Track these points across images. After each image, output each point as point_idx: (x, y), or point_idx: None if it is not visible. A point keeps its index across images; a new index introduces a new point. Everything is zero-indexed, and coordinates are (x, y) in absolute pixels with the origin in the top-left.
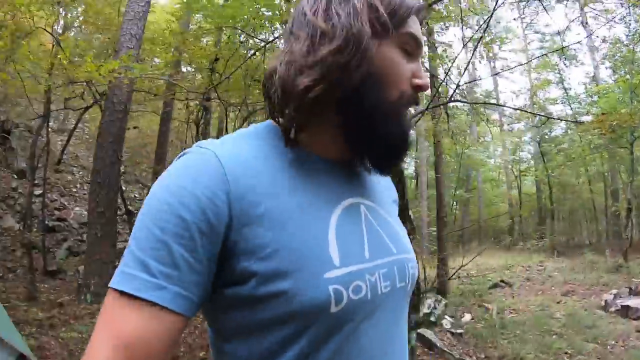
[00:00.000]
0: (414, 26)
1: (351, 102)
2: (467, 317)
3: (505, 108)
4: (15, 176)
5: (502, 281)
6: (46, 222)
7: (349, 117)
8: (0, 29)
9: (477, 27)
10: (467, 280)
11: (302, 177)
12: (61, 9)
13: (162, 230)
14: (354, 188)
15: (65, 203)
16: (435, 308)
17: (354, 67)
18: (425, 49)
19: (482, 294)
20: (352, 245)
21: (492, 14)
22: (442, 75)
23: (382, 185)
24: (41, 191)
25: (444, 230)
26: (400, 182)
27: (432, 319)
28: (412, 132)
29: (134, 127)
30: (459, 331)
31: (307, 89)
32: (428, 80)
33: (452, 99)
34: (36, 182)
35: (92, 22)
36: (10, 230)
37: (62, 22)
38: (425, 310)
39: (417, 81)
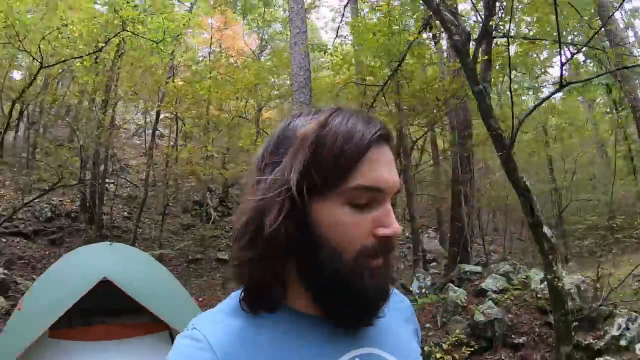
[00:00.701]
0: (367, 172)
1: (305, 268)
2: None
3: None
4: None
5: None
6: None
7: (308, 282)
8: None
9: None
10: None
11: (287, 346)
12: None
13: None
14: (351, 340)
15: None
16: (627, 329)
17: (274, 234)
18: None
19: None
20: None
21: None
22: None
23: (389, 313)
24: None
25: None
26: (526, 199)
27: (623, 342)
28: (383, 283)
29: None
30: None
31: (244, 249)
32: (396, 226)
33: None
34: None
35: None
36: None
37: None
38: (613, 332)
39: (380, 232)
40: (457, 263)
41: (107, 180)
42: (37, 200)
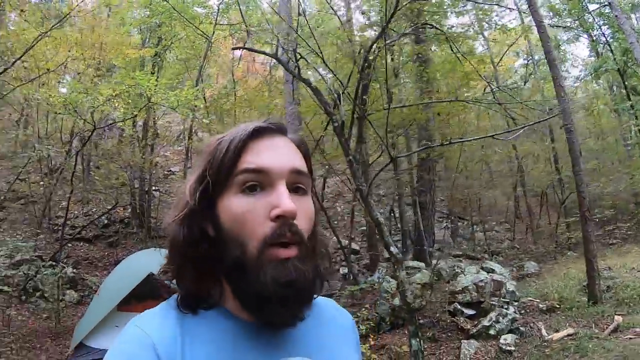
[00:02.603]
0: (250, 158)
1: (224, 268)
2: (563, 333)
3: None
4: None
5: None
6: None
7: (229, 281)
8: None
9: None
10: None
11: (222, 353)
12: None
13: None
14: (285, 348)
15: None
16: (497, 322)
17: (188, 236)
18: None
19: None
20: None
21: None
22: None
23: (328, 326)
24: None
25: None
26: (380, 230)
27: (492, 332)
28: (292, 277)
29: None
30: (509, 349)
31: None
32: (286, 204)
33: None
34: None
35: None
36: None
37: None
38: (485, 322)
39: (274, 212)
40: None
41: (153, 187)
42: (95, 209)
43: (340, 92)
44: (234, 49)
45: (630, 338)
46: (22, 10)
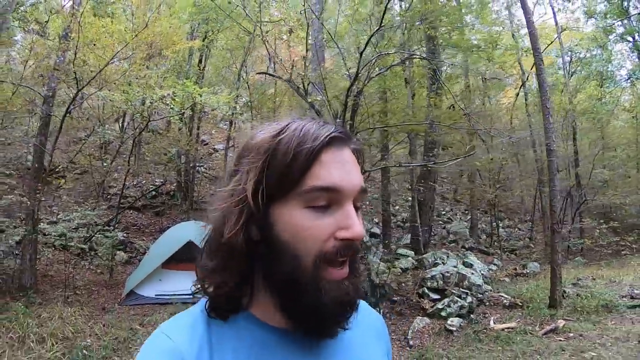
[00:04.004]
0: (321, 174)
1: (269, 275)
2: (505, 325)
3: None
4: None
5: None
6: None
7: (272, 289)
8: None
9: None
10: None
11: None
12: None
13: None
14: (318, 357)
15: None
16: (449, 306)
17: (229, 244)
18: None
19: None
20: None
21: None
22: None
23: (360, 329)
24: None
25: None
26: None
27: (443, 313)
28: (345, 297)
29: None
30: (452, 329)
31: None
32: (358, 228)
33: None
34: None
35: None
36: None
37: None
38: (438, 305)
39: (341, 234)
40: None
41: (197, 164)
42: (144, 181)
43: (339, 111)
44: (258, 73)
45: (560, 340)
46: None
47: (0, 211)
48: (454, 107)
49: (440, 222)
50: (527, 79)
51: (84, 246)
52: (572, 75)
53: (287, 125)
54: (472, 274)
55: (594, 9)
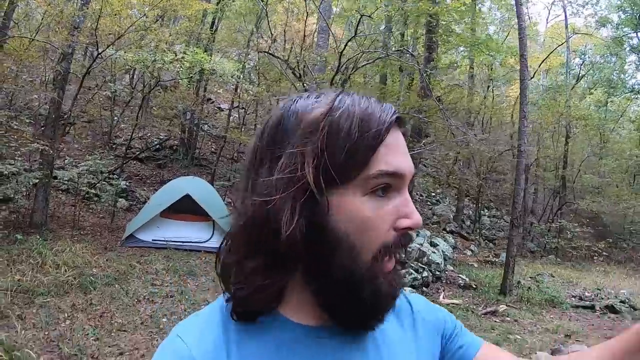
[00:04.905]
0: (387, 157)
1: (316, 271)
2: (452, 300)
3: None
4: None
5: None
6: None
7: (317, 286)
8: None
9: None
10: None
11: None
12: None
13: None
14: (363, 349)
15: None
16: (416, 278)
17: (277, 235)
18: None
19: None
20: None
21: None
22: None
23: (399, 321)
24: None
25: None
26: None
27: (414, 283)
28: (396, 288)
29: None
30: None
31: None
32: (417, 216)
33: None
34: None
35: None
36: None
37: None
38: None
39: (402, 223)
40: None
41: (201, 121)
42: (149, 133)
43: None
44: (259, 52)
45: (495, 321)
46: None
47: (20, 156)
48: (439, 98)
49: (429, 203)
50: (532, 76)
51: (91, 190)
52: (580, 79)
53: (338, 99)
54: (434, 252)
55: (606, 17)
